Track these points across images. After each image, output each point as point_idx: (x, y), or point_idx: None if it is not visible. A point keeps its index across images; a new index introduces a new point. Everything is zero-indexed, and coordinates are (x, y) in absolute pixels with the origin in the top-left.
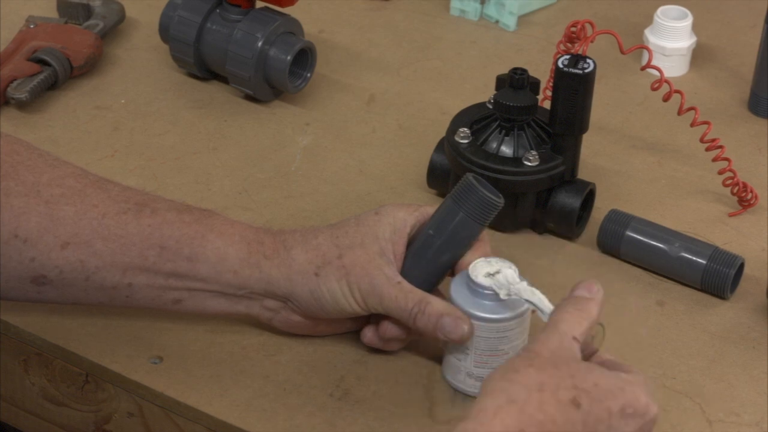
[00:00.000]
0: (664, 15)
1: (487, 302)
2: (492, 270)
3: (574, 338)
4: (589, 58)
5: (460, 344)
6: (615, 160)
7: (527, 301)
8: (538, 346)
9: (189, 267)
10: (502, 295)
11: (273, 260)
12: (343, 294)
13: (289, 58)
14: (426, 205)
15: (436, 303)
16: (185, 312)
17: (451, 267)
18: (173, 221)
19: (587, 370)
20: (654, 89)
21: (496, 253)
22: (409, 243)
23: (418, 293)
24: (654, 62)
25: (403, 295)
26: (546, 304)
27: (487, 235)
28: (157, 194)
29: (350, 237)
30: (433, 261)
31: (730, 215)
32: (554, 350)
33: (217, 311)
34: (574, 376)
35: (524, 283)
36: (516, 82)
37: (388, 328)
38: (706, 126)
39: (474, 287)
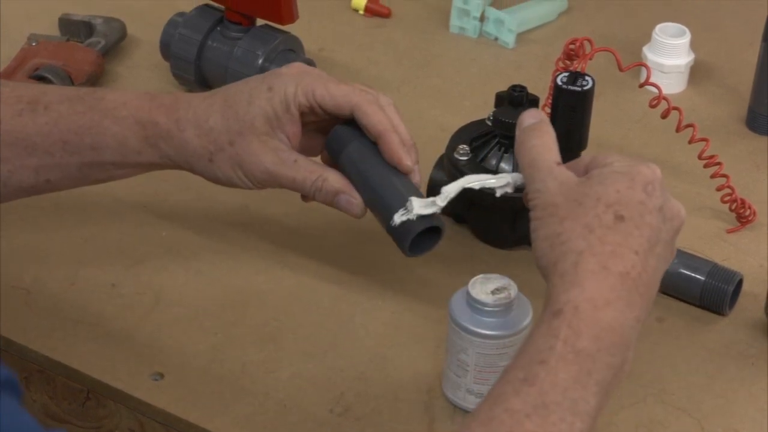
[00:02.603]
0: (663, 32)
1: (486, 319)
2: (492, 287)
3: (558, 163)
4: (588, 76)
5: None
6: None
7: (475, 186)
8: (545, 198)
9: (95, 155)
10: (440, 202)
11: (168, 142)
12: (240, 179)
13: None
14: (317, 82)
15: (332, 179)
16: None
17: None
18: (68, 114)
19: (598, 183)
20: (652, 106)
21: (496, 270)
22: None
23: (316, 170)
24: (652, 79)
25: (301, 176)
26: (491, 176)
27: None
28: (46, 85)
29: (240, 119)
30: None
31: (729, 231)
32: (560, 190)
33: (138, 174)
34: (599, 198)
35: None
36: (515, 99)
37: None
38: (704, 143)
39: (474, 304)
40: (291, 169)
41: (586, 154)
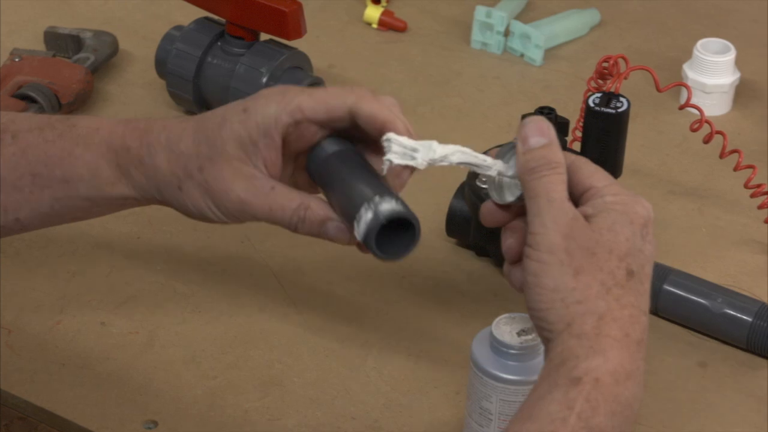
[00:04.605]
0: (705, 48)
1: (511, 363)
2: (517, 327)
3: (568, 200)
4: (623, 97)
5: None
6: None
7: (465, 164)
8: (554, 240)
9: (67, 188)
10: (417, 162)
11: (139, 168)
12: (211, 210)
13: None
14: (302, 95)
15: (316, 207)
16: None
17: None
18: (37, 143)
19: (607, 229)
20: (693, 130)
21: (522, 308)
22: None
23: (296, 198)
24: (693, 100)
25: (278, 204)
26: (491, 161)
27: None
28: (15, 113)
29: (211, 143)
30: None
31: None
32: (571, 233)
33: (116, 212)
34: (612, 250)
35: (454, 148)
36: None
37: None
38: (750, 170)
39: (497, 346)
40: (267, 198)
41: (619, 183)
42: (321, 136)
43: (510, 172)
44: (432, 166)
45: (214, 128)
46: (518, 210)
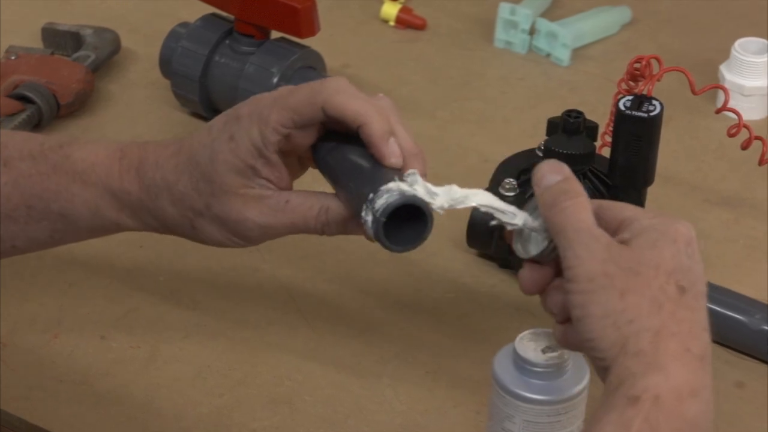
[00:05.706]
0: (743, 48)
1: (536, 381)
2: (542, 344)
3: (597, 227)
4: (655, 99)
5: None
6: (685, 217)
7: (483, 206)
8: (592, 267)
9: (67, 223)
10: (437, 205)
11: (146, 212)
12: (232, 241)
13: None
14: (274, 108)
15: (336, 207)
16: None
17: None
18: (30, 174)
19: (649, 247)
20: (731, 135)
21: (547, 323)
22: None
23: (314, 204)
24: (731, 104)
25: (299, 217)
26: (516, 210)
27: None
28: (8, 133)
29: (208, 179)
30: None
31: None
32: (609, 256)
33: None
34: (658, 266)
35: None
36: (570, 126)
37: None
38: None
39: (521, 363)
40: (285, 214)
41: (653, 195)
42: (316, 131)
43: (536, 224)
44: (452, 208)
45: (206, 163)
46: (555, 269)
